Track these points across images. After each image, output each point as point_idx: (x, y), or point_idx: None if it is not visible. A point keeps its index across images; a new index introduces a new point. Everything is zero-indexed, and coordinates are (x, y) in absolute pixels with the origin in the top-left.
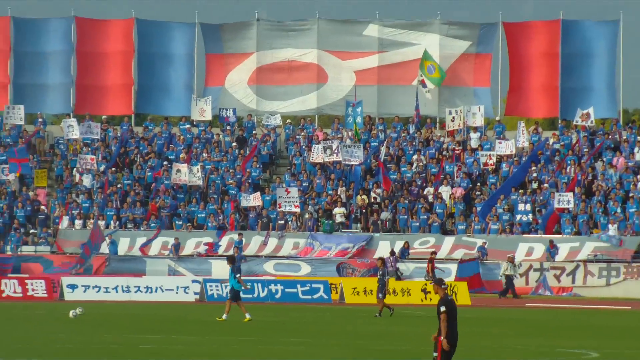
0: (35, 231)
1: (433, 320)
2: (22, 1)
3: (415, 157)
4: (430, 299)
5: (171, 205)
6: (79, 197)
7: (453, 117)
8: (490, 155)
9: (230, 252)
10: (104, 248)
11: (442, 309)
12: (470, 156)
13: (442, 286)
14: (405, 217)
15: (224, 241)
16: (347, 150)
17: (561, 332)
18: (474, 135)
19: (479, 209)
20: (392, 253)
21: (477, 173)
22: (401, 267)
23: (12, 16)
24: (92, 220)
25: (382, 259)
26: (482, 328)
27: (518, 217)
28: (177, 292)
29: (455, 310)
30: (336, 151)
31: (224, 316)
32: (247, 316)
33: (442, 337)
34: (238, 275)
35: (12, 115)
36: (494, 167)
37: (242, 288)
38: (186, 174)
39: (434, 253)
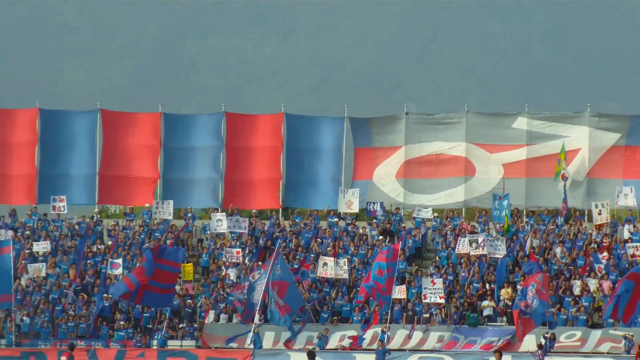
0: (183, 325)
1: None
2: (173, 97)
3: (559, 249)
4: None
5: (316, 298)
6: (225, 290)
7: (600, 211)
8: (637, 246)
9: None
10: (248, 342)
11: None
12: (622, 248)
13: None
14: (552, 309)
15: (369, 334)
16: (492, 243)
17: None
18: (627, 227)
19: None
20: (540, 346)
21: (625, 265)
22: None
23: (162, 112)
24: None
25: (498, 352)
26: None
27: None
28: None
29: None
30: (482, 245)
31: None
32: None
33: None
34: None
35: (161, 210)
36: None
37: None
38: (332, 268)
39: None
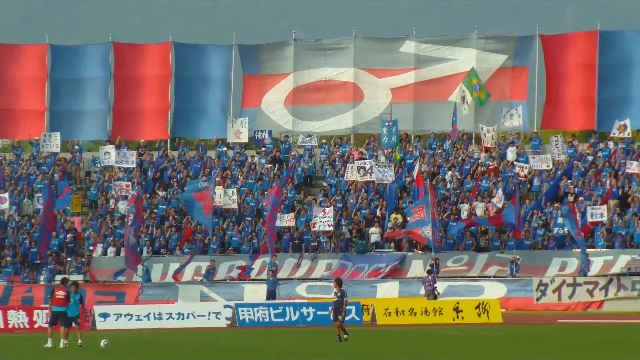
0: (70, 259)
1: (466, 340)
2: (60, 28)
3: (449, 173)
4: (462, 318)
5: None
6: (114, 223)
7: (485, 133)
8: (523, 167)
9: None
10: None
11: None
12: (510, 170)
13: None
14: (440, 234)
15: (257, 264)
16: (380, 170)
17: (594, 347)
18: (511, 149)
19: None
20: (430, 272)
21: (512, 188)
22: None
23: (49, 44)
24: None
25: (337, 280)
26: (514, 346)
27: (555, 229)
28: (208, 318)
29: None
30: (369, 171)
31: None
32: (80, 342)
33: None
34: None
35: (49, 143)
36: (526, 179)
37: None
38: (221, 197)
39: None
